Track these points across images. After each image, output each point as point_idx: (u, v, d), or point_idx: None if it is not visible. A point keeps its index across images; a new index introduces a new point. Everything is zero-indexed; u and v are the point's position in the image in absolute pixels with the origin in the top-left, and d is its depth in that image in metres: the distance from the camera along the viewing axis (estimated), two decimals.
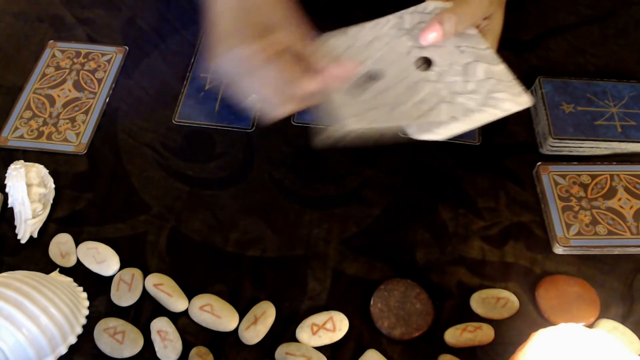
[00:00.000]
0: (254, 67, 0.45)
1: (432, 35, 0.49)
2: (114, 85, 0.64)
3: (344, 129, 0.46)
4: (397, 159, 0.58)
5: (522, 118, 0.60)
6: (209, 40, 0.47)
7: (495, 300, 0.49)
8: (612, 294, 0.50)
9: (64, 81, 0.64)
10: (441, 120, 0.46)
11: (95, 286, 0.51)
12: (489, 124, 0.59)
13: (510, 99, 0.47)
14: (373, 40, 0.52)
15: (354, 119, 0.47)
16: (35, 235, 0.53)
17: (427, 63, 0.50)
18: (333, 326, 0.48)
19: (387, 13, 0.55)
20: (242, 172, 0.58)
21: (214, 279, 0.51)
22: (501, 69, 0.49)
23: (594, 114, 0.58)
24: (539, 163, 0.56)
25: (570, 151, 0.57)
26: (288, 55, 0.45)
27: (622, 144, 0.56)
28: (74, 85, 0.63)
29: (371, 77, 0.49)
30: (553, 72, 0.62)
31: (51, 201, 0.55)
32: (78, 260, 0.52)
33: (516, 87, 0.47)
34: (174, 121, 0.61)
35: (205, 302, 0.49)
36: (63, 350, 0.47)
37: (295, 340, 0.48)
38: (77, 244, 0.53)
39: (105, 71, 0.64)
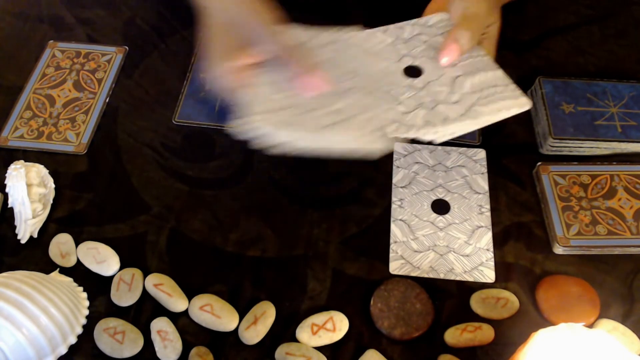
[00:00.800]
0: (235, 85, 0.48)
1: (450, 56, 0.50)
2: (114, 85, 0.64)
3: (250, 126, 0.46)
4: None
5: (522, 118, 0.60)
6: (203, 54, 0.50)
7: (495, 300, 0.49)
8: (612, 294, 0.50)
9: (64, 81, 0.64)
10: (417, 123, 0.46)
11: (95, 286, 0.51)
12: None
13: (496, 109, 0.47)
14: (328, 44, 0.52)
15: (260, 116, 0.46)
16: (35, 235, 0.53)
17: (415, 72, 0.51)
18: (333, 326, 0.48)
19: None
20: (242, 172, 0.58)
21: (214, 279, 0.51)
22: (499, 74, 0.49)
23: (594, 114, 0.58)
24: (539, 163, 0.56)
25: (570, 151, 0.57)
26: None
27: (622, 144, 0.56)
28: (74, 85, 0.63)
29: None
30: (553, 72, 0.62)
31: (51, 201, 0.55)
32: (78, 260, 0.52)
33: (513, 90, 0.48)
34: (174, 121, 0.61)
35: (205, 302, 0.49)
36: (63, 350, 0.47)
37: (295, 340, 0.48)
38: (77, 244, 0.53)
39: (105, 71, 0.64)
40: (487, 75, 0.49)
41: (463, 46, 0.50)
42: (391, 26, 0.54)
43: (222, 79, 0.49)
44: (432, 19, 0.54)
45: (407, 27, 0.53)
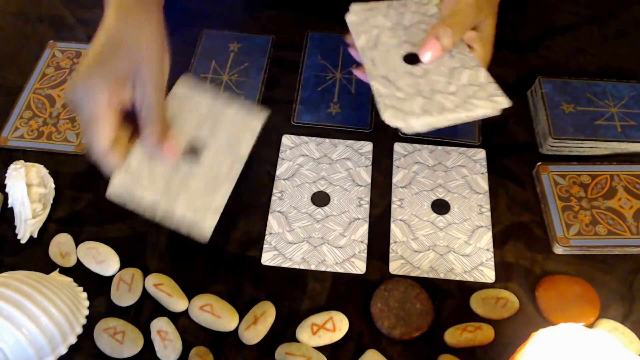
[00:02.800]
0: (92, 114, 0.45)
1: (430, 53, 0.49)
2: None
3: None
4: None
5: (522, 118, 0.60)
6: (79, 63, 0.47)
7: (495, 300, 0.49)
8: (612, 294, 0.50)
9: (64, 81, 0.64)
10: (414, 110, 0.46)
11: (95, 286, 0.51)
12: (490, 123, 0.60)
13: (487, 105, 0.47)
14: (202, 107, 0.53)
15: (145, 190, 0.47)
16: (35, 235, 0.53)
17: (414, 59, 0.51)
18: (333, 326, 0.48)
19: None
20: (242, 172, 0.57)
21: (214, 279, 0.51)
22: (483, 73, 0.49)
23: (594, 114, 0.58)
24: (539, 163, 0.56)
25: (570, 151, 0.57)
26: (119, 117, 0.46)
27: (622, 143, 0.56)
28: None
29: (193, 151, 0.50)
30: (553, 72, 0.62)
31: (51, 201, 0.55)
32: (78, 260, 0.52)
33: (495, 89, 0.48)
34: None
35: (205, 302, 0.49)
36: (63, 350, 0.47)
37: (295, 340, 0.48)
38: (77, 244, 0.53)
39: None
40: (476, 73, 0.49)
41: (444, 44, 0.49)
42: (395, 3, 0.53)
43: (89, 103, 0.45)
44: (431, 8, 0.53)
45: (407, 15, 0.53)
